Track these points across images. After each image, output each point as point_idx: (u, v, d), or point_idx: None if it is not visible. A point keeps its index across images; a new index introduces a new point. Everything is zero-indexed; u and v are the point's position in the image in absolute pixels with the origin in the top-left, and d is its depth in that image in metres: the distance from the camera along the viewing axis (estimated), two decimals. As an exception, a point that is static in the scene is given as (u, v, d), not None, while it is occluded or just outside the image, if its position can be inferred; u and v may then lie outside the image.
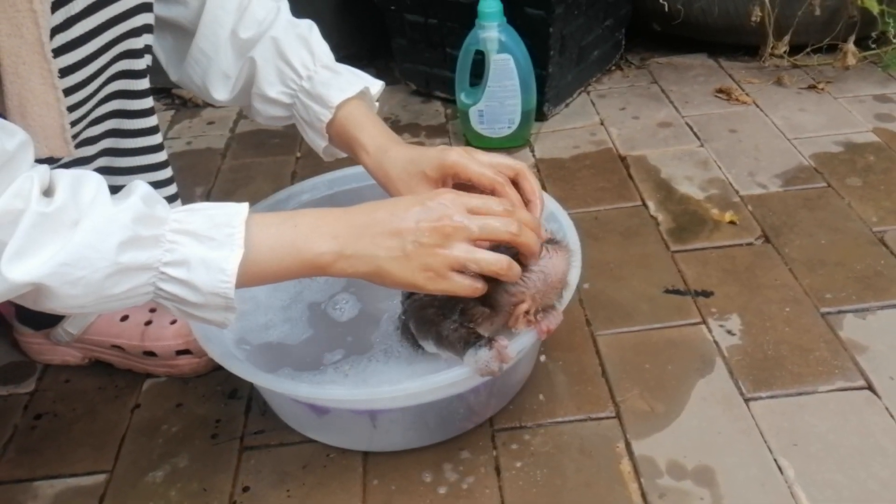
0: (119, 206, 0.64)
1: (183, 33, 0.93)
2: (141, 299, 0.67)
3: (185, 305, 0.68)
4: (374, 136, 0.88)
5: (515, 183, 0.83)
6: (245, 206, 0.69)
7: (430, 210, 0.70)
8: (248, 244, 0.67)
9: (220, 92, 0.93)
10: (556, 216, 1.00)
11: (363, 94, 0.92)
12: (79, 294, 0.63)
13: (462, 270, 0.72)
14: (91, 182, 0.65)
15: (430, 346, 0.84)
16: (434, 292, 0.73)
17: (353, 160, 0.93)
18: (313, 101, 0.91)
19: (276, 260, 0.69)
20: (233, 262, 0.66)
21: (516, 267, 0.74)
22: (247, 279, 0.68)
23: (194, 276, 0.66)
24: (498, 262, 0.72)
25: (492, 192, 0.80)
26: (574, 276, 0.88)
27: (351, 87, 0.90)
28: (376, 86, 0.94)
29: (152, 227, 0.65)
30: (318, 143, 0.94)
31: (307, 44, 0.92)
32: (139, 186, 0.67)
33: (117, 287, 0.64)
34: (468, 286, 0.73)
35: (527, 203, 0.82)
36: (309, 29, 0.93)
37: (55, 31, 0.69)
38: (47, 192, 0.63)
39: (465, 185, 0.83)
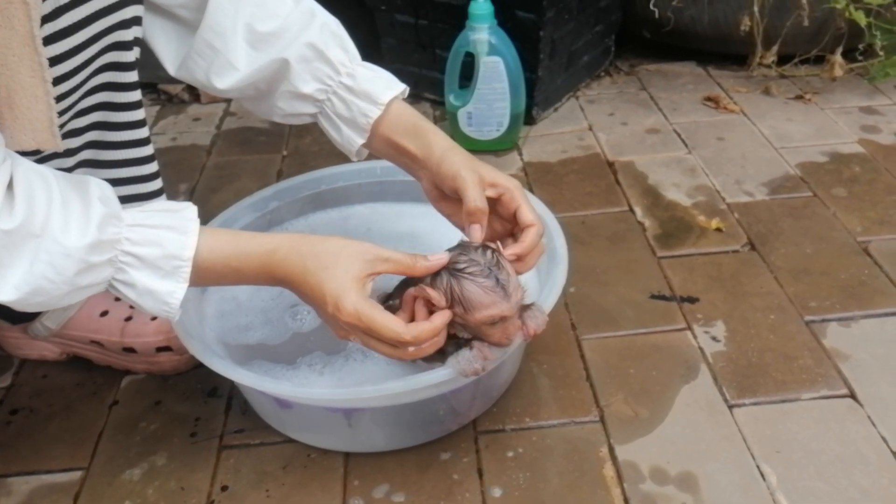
0: (77, 239, 0.68)
1: (186, 27, 0.90)
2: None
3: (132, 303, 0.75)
4: (438, 131, 0.89)
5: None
6: (194, 236, 0.73)
7: (330, 321, 0.76)
8: (192, 276, 0.73)
9: (225, 81, 0.90)
10: (543, 219, 1.00)
11: (404, 90, 0.92)
12: (40, 305, 0.71)
13: None
14: (40, 188, 0.68)
15: (420, 361, 0.83)
16: None
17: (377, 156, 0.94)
18: (357, 98, 0.89)
19: (215, 284, 0.80)
20: (177, 296, 0.73)
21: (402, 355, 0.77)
22: (180, 301, 0.74)
23: (141, 301, 0.73)
24: (388, 356, 0.78)
25: (523, 229, 0.83)
26: (560, 280, 0.88)
27: (396, 84, 0.91)
28: (406, 89, 0.94)
29: (106, 251, 0.70)
30: (355, 140, 0.91)
31: (342, 42, 0.91)
32: (96, 207, 0.70)
33: (75, 297, 0.72)
34: (381, 353, 0.77)
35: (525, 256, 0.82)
36: (339, 27, 0.92)
37: (43, 20, 0.69)
38: (6, 195, 0.66)
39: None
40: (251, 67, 0.89)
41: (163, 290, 0.72)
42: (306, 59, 0.88)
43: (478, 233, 0.81)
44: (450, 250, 0.79)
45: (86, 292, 0.72)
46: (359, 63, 0.91)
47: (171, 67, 0.93)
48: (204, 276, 0.75)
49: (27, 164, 0.69)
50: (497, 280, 0.75)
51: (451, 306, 0.76)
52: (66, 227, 0.68)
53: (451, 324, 0.79)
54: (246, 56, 0.89)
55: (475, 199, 0.82)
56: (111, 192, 0.73)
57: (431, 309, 0.77)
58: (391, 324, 0.74)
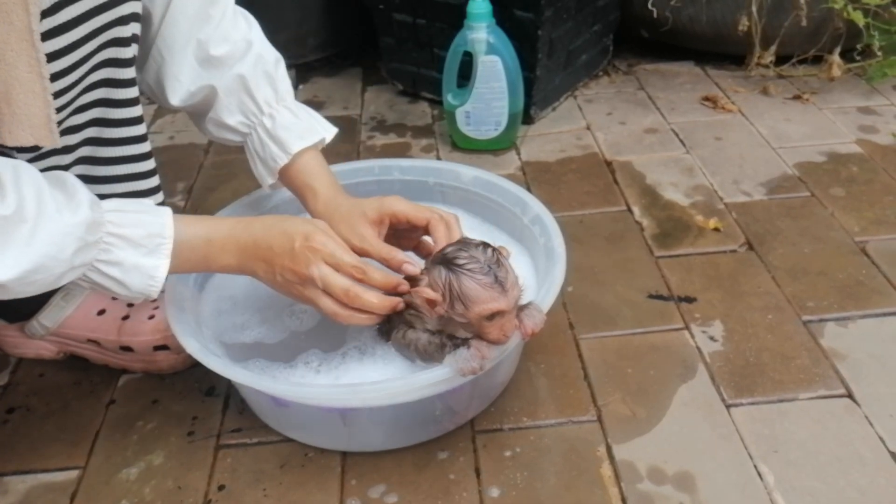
0: (73, 216, 0.71)
1: (146, 32, 0.92)
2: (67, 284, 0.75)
3: (104, 291, 0.77)
4: (325, 185, 0.95)
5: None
6: (170, 215, 0.77)
7: (296, 256, 0.80)
8: (171, 254, 0.76)
9: (174, 96, 0.94)
10: (541, 219, 1.00)
11: (319, 142, 0.96)
12: (30, 291, 0.71)
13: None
14: (27, 176, 0.69)
15: (418, 361, 0.85)
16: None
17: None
18: (272, 142, 0.94)
19: (189, 266, 0.82)
20: (162, 270, 0.76)
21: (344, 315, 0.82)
22: (164, 277, 0.78)
23: (127, 278, 0.75)
24: (335, 315, 0.82)
25: (426, 227, 0.90)
26: (558, 279, 0.88)
27: (310, 135, 0.95)
28: (331, 133, 0.98)
29: (95, 232, 0.73)
30: (266, 179, 0.98)
31: (272, 81, 0.94)
32: (82, 192, 0.73)
33: (61, 281, 0.73)
34: (329, 311, 0.82)
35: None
36: (275, 65, 0.95)
37: (42, 15, 0.68)
38: None
39: (404, 229, 0.92)
40: (192, 83, 0.93)
41: (149, 265, 0.75)
42: (233, 92, 0.93)
43: (410, 268, 0.85)
44: (448, 245, 0.82)
45: (72, 275, 0.73)
46: (286, 105, 0.96)
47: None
48: (179, 254, 0.77)
49: (10, 159, 0.70)
50: (496, 277, 0.76)
51: (449, 302, 0.77)
52: (59, 209, 0.70)
53: (449, 322, 0.79)
54: (190, 71, 0.92)
55: (379, 251, 0.88)
56: (91, 193, 0.75)
57: (430, 309, 0.79)
58: (353, 256, 0.81)
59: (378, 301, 0.81)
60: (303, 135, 0.95)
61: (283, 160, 0.94)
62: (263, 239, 0.81)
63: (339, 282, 0.80)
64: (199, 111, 0.97)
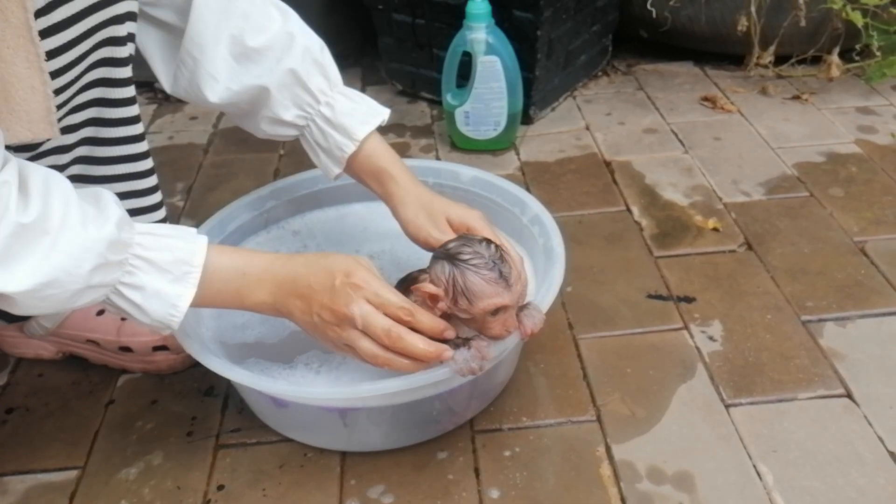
0: (97, 231, 0.67)
1: (171, 36, 0.90)
2: (88, 306, 0.72)
3: (127, 316, 0.73)
4: (400, 169, 0.93)
5: None
6: (205, 243, 0.73)
7: (336, 293, 0.74)
8: (199, 283, 0.72)
9: (212, 94, 0.91)
10: (540, 219, 1.00)
11: (379, 124, 0.94)
12: (43, 307, 0.67)
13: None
14: (58, 188, 0.67)
15: None
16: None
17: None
18: (335, 130, 0.92)
19: (219, 300, 0.77)
20: (185, 300, 0.72)
21: (391, 362, 0.76)
22: (187, 308, 0.73)
23: (148, 304, 0.71)
24: (374, 358, 0.76)
25: None
26: (557, 279, 0.88)
27: (372, 118, 0.93)
28: (387, 114, 0.96)
29: (120, 252, 0.69)
30: (333, 170, 0.95)
31: (322, 69, 0.92)
32: (114, 208, 0.70)
33: (78, 301, 0.69)
34: (368, 354, 0.76)
35: None
36: (322, 52, 0.93)
37: (36, 14, 0.68)
38: (20, 191, 0.64)
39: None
40: (232, 80, 0.90)
41: (172, 293, 0.71)
42: (286, 86, 0.91)
43: None
44: (450, 242, 0.81)
45: (90, 295, 0.69)
46: (339, 90, 0.93)
47: (166, 83, 0.93)
48: (209, 285, 0.73)
49: (43, 168, 0.68)
50: (500, 272, 0.76)
51: (452, 298, 0.77)
52: (84, 222, 0.67)
53: (450, 319, 0.79)
54: (227, 68, 0.89)
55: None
56: (120, 203, 0.73)
57: (432, 306, 0.78)
58: (399, 296, 0.76)
59: (424, 346, 0.75)
60: (365, 119, 0.92)
61: (350, 148, 0.92)
62: (304, 276, 0.76)
63: (380, 322, 0.74)
64: (246, 111, 0.94)
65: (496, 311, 0.77)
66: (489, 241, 0.79)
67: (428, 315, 0.77)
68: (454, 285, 0.77)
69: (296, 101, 0.92)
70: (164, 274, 0.71)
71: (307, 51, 0.91)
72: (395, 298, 0.75)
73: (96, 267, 0.67)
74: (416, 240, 0.91)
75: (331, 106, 0.92)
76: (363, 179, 0.96)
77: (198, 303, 0.73)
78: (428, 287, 0.77)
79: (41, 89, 0.68)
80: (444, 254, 0.79)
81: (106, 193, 0.71)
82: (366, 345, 0.75)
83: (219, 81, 0.89)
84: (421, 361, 0.76)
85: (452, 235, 0.86)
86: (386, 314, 0.75)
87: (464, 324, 0.79)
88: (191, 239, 0.73)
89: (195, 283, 0.72)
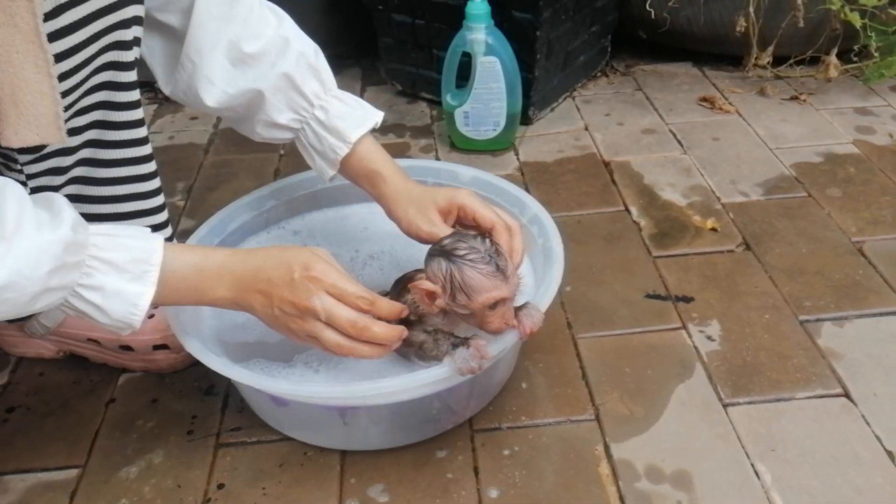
0: (51, 234, 0.67)
1: (174, 40, 0.91)
2: (46, 309, 0.72)
3: (87, 318, 0.72)
4: (391, 169, 0.95)
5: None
6: (161, 242, 0.74)
7: (296, 287, 0.76)
8: (158, 282, 0.73)
9: (209, 98, 0.92)
10: (539, 219, 1.01)
11: (373, 127, 0.96)
12: (2, 311, 0.67)
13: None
14: (11, 193, 0.67)
15: (416, 361, 0.85)
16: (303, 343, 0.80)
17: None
18: (329, 133, 0.93)
19: (178, 297, 0.78)
20: (146, 298, 0.72)
21: (350, 349, 0.78)
22: (148, 306, 0.74)
23: (108, 304, 0.71)
24: (338, 347, 0.77)
25: (490, 231, 0.87)
26: (556, 279, 0.89)
27: (366, 121, 0.94)
28: (380, 116, 0.97)
29: (76, 253, 0.69)
30: (327, 172, 0.97)
31: (317, 73, 0.93)
32: (67, 211, 0.70)
33: (36, 304, 0.69)
34: (332, 344, 0.77)
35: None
36: (316, 56, 0.94)
37: (44, 18, 0.69)
38: None
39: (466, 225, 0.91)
40: (229, 84, 0.91)
41: (132, 292, 0.71)
42: (281, 90, 0.92)
43: None
44: (444, 238, 0.82)
45: (48, 298, 0.69)
46: (333, 94, 0.95)
47: (164, 86, 0.94)
48: (167, 282, 0.74)
49: None
50: (497, 266, 0.77)
51: (450, 294, 0.77)
52: (39, 225, 0.67)
53: (448, 317, 0.80)
54: (224, 72, 0.91)
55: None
56: (73, 207, 0.73)
57: (430, 303, 0.79)
58: (357, 286, 0.77)
59: (383, 331, 0.77)
60: (359, 122, 0.94)
61: (343, 151, 0.93)
62: (262, 270, 0.77)
63: (344, 313, 0.76)
64: (242, 114, 0.96)
65: (495, 305, 0.78)
66: (483, 236, 0.80)
67: (385, 300, 0.79)
68: (452, 281, 0.77)
69: (290, 104, 0.93)
70: (123, 273, 0.71)
71: (301, 55, 0.92)
72: (354, 288, 0.77)
73: (53, 269, 0.67)
74: (409, 235, 0.92)
75: (325, 109, 0.93)
76: (357, 181, 0.97)
77: (158, 301, 0.74)
78: (425, 284, 0.78)
79: (49, 94, 0.69)
80: (439, 250, 0.80)
81: (58, 197, 0.72)
82: (329, 335, 0.77)
83: (215, 85, 0.91)
84: (385, 347, 0.78)
85: (442, 226, 0.88)
86: (346, 304, 0.76)
87: (462, 319, 0.79)
88: (147, 238, 0.74)
89: (154, 281, 0.72)
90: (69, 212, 0.70)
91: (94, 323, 0.73)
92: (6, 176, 0.71)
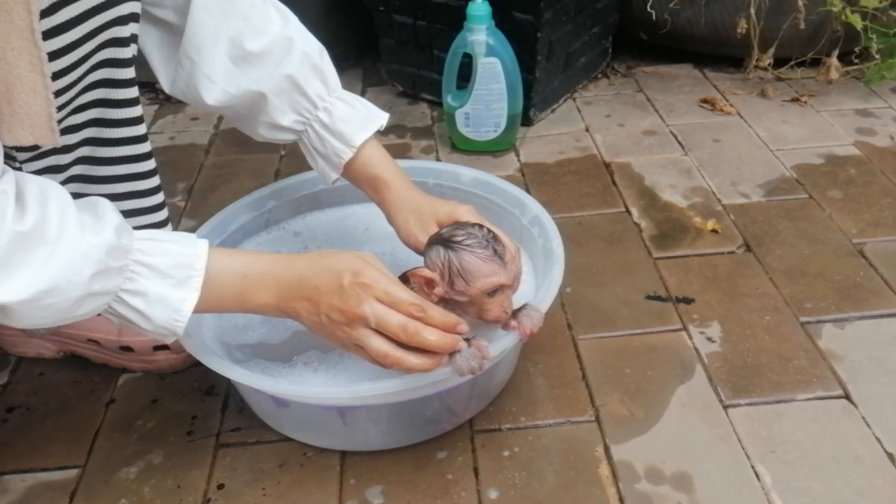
0: (95, 237, 0.67)
1: (171, 34, 0.91)
2: (90, 316, 0.71)
3: (130, 325, 0.72)
4: (395, 175, 0.94)
5: None
6: (205, 247, 0.73)
7: (345, 294, 0.74)
8: (201, 288, 0.72)
9: (209, 96, 0.91)
10: (540, 220, 1.01)
11: (378, 130, 0.95)
12: (45, 317, 0.67)
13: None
14: (54, 196, 0.67)
15: None
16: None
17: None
18: (332, 136, 0.93)
19: (222, 304, 0.76)
20: (189, 304, 0.71)
21: (402, 360, 0.75)
22: (191, 313, 0.73)
23: (151, 310, 0.71)
24: (384, 357, 0.75)
25: None
26: (556, 280, 0.89)
27: (370, 124, 0.94)
28: (385, 119, 0.97)
29: (120, 258, 0.69)
30: (330, 175, 0.96)
31: (321, 74, 0.93)
32: (112, 215, 0.70)
33: (80, 310, 0.68)
34: (378, 352, 0.75)
35: None
36: (321, 56, 0.93)
37: (41, 15, 0.68)
38: (17, 201, 0.64)
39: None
40: (230, 84, 0.90)
41: (175, 298, 0.71)
42: (285, 92, 0.91)
43: None
44: (442, 229, 0.82)
45: (92, 303, 0.69)
46: (338, 95, 0.94)
47: (165, 83, 0.94)
48: (211, 289, 0.73)
49: (39, 178, 0.69)
50: (494, 251, 0.77)
51: (449, 280, 0.77)
52: (82, 229, 0.67)
53: (449, 304, 0.79)
54: (224, 70, 0.90)
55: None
56: (118, 211, 0.73)
57: (429, 292, 0.79)
58: (409, 293, 0.75)
59: (437, 339, 0.74)
60: (363, 125, 0.93)
61: (347, 154, 0.92)
62: (309, 277, 0.75)
63: (395, 319, 0.73)
64: (244, 114, 0.95)
65: (493, 292, 0.77)
66: (481, 225, 0.80)
67: (439, 310, 0.76)
68: (450, 267, 0.77)
69: (294, 106, 0.92)
70: (166, 279, 0.70)
71: (306, 56, 0.91)
72: (406, 296, 0.75)
73: (96, 273, 0.67)
74: (406, 244, 0.92)
75: (329, 111, 0.93)
76: (359, 185, 0.97)
77: (201, 307, 0.72)
78: (424, 272, 0.78)
79: (43, 93, 0.68)
80: (437, 239, 0.80)
81: (103, 201, 0.71)
82: (376, 343, 0.75)
83: (216, 84, 0.90)
84: (436, 355, 0.75)
85: None
86: (398, 312, 0.74)
87: (462, 309, 0.79)
88: (191, 243, 0.73)
89: (198, 286, 0.71)
90: (113, 216, 0.70)
91: (137, 330, 0.72)
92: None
